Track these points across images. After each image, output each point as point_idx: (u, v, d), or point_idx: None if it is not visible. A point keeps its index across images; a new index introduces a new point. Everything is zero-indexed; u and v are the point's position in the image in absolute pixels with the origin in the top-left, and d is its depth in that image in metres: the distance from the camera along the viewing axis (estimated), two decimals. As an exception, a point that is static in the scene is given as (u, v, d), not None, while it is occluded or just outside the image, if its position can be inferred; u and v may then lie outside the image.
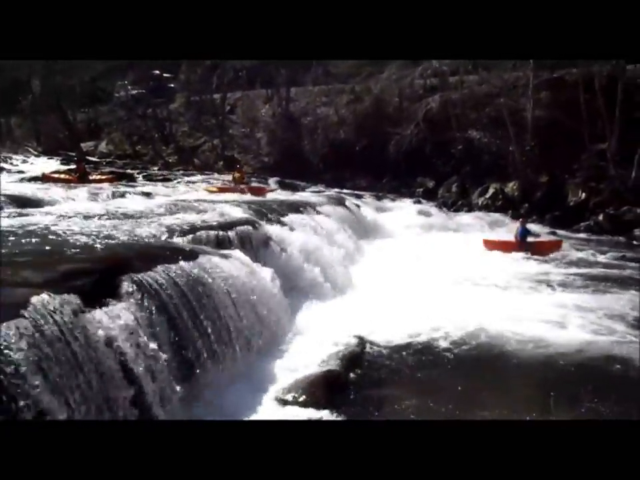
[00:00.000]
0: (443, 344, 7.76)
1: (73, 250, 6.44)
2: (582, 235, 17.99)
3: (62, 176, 21.05)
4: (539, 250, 14.20)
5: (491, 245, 14.83)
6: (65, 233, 7.62)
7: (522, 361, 7.25)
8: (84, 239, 7.11)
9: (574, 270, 12.72)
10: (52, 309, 4.38)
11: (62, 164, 28.98)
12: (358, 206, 17.48)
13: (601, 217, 18.54)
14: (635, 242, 16.92)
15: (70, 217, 9.32)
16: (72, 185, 17.70)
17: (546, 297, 10.21)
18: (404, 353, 7.45)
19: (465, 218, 20.08)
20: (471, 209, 21.92)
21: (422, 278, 11.23)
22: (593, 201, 19.39)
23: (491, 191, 22.01)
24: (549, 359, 7.27)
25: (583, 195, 19.73)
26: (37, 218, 9.18)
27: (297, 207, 13.02)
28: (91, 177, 20.56)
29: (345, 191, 23.90)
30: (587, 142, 20.37)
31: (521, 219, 15.62)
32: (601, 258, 14.25)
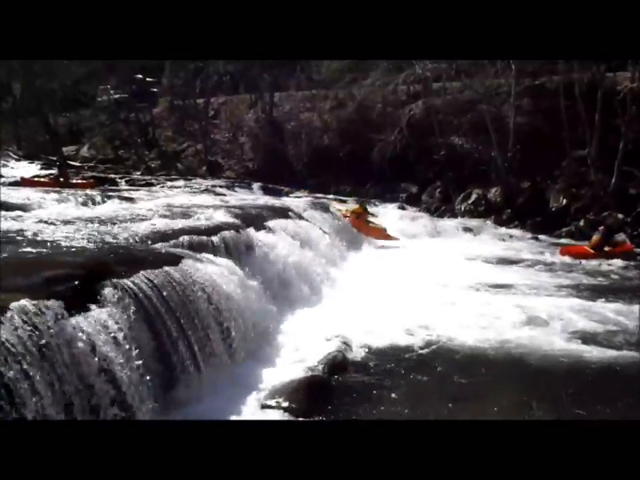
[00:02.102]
0: (427, 348, 7.77)
1: (53, 255, 6.37)
2: (563, 240, 18.16)
3: (42, 180, 20.82)
4: (612, 255, 14.60)
5: (567, 251, 15.37)
6: (45, 238, 7.53)
7: (505, 365, 7.29)
8: (64, 244, 7.02)
9: (564, 275, 12.87)
10: (32, 314, 4.31)
11: (42, 168, 28.62)
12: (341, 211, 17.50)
13: (581, 222, 18.75)
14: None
15: (50, 222, 9.21)
16: (52, 189, 17.51)
17: (529, 301, 10.26)
18: (388, 358, 7.45)
19: (448, 223, 20.23)
20: (454, 215, 22.10)
21: (405, 283, 11.27)
22: (574, 207, 19.61)
23: (473, 196, 22.20)
24: (533, 363, 7.32)
25: (564, 200, 19.96)
26: (16, 223, 9.05)
27: (280, 212, 12.99)
28: (71, 182, 20.36)
29: (329, 196, 23.94)
30: (567, 148, 20.62)
31: (601, 227, 15.81)
32: (584, 262, 14.42)
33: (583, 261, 14.32)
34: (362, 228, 16.34)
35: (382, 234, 16.49)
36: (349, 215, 16.85)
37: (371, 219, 17.18)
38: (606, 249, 14.78)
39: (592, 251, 14.85)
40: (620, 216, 18.17)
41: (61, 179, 20.00)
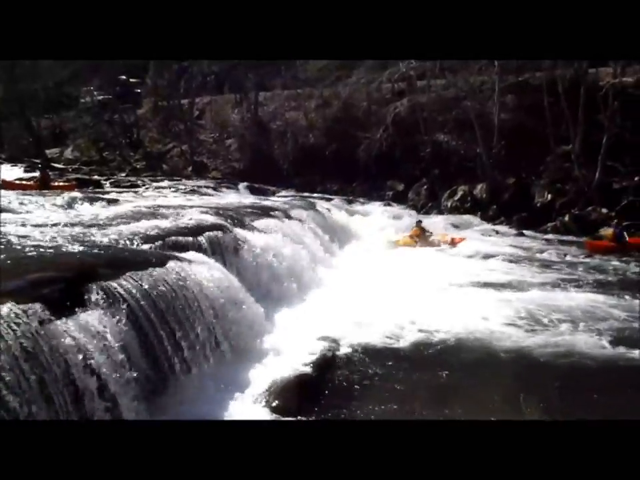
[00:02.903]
0: (415, 347, 7.80)
1: (38, 258, 6.29)
2: (549, 236, 18.27)
3: (23, 183, 20.62)
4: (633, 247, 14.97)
5: (592, 246, 15.59)
6: (29, 241, 7.44)
7: (494, 361, 7.33)
8: (49, 247, 6.95)
9: (547, 268, 12.96)
10: (17, 318, 4.27)
11: (26, 171, 28.34)
12: (329, 210, 17.51)
13: (566, 218, 18.88)
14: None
15: (34, 225, 9.12)
16: (34, 192, 17.35)
17: (516, 297, 10.32)
18: (376, 356, 7.47)
19: (434, 220, 20.29)
20: (440, 211, 22.17)
21: (393, 281, 11.29)
22: (558, 202, 19.75)
23: (459, 193, 22.28)
24: (520, 360, 7.37)
25: (549, 196, 20.10)
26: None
27: (267, 212, 12.97)
28: (53, 184, 20.18)
29: (315, 195, 23.93)
30: (551, 144, 20.77)
31: (615, 221, 16.19)
32: (568, 258, 14.54)
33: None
34: (426, 244, 15.91)
35: (449, 241, 16.09)
36: (410, 241, 16.14)
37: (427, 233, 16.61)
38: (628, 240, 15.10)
39: (615, 245, 15.15)
40: (604, 210, 18.33)
41: (43, 182, 19.80)
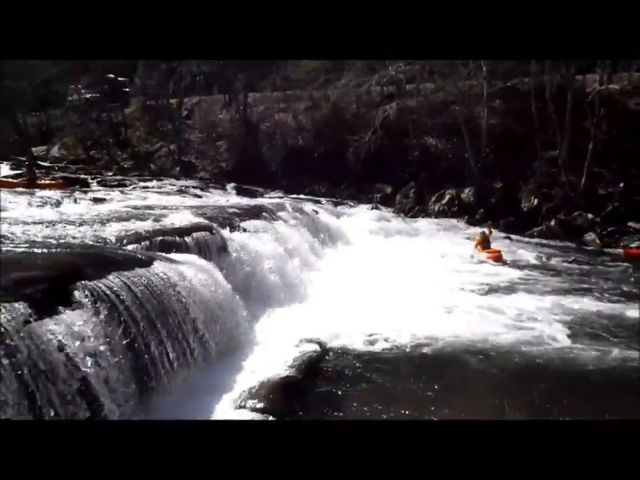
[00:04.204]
0: (402, 348, 7.82)
1: (22, 257, 6.23)
2: (535, 240, 18.41)
3: (8, 180, 20.40)
4: None
5: (629, 254, 15.52)
6: (13, 240, 7.37)
7: (481, 364, 7.36)
8: (34, 246, 6.88)
9: (530, 272, 13.05)
10: (0, 318, 4.22)
11: (12, 169, 28.06)
12: (316, 212, 17.50)
13: (552, 222, 19.03)
14: (584, 246, 17.42)
15: (18, 224, 9.03)
16: (19, 190, 17.19)
17: (502, 300, 10.39)
18: (362, 358, 7.48)
19: (421, 224, 20.38)
20: (427, 215, 22.29)
21: (379, 283, 11.30)
22: (545, 207, 19.91)
23: (447, 196, 22.40)
24: (505, 362, 7.41)
25: (536, 200, 20.25)
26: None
27: (255, 213, 12.93)
28: (39, 182, 20.00)
29: (303, 197, 23.92)
30: (538, 149, 20.94)
31: None
32: (553, 261, 14.66)
33: None
34: (482, 250, 14.73)
35: (499, 257, 14.50)
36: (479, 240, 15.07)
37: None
38: None
39: None
40: (590, 216, 18.50)
41: (30, 180, 19.62)
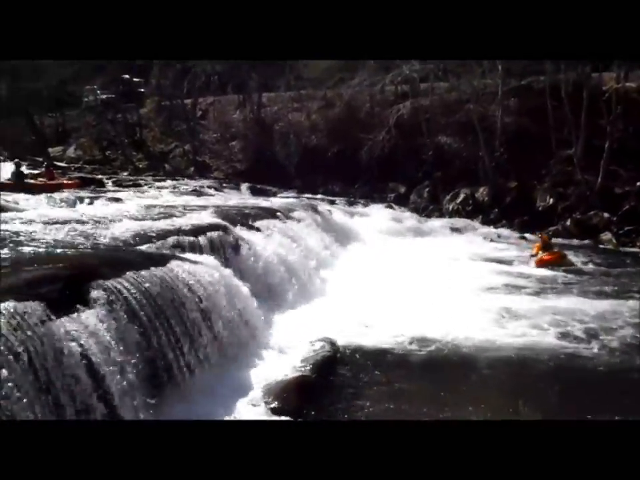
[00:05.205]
0: (416, 348, 7.80)
1: (39, 256, 6.31)
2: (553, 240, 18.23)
3: (31, 182, 20.59)
4: None
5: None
6: (30, 239, 7.46)
7: (494, 366, 7.33)
8: (50, 245, 6.97)
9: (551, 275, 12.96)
10: (18, 317, 4.27)
11: (29, 169, 28.35)
12: (330, 211, 17.49)
13: (568, 222, 18.85)
14: (601, 245, 17.26)
15: (36, 223, 9.13)
16: (38, 189, 17.34)
17: (513, 302, 10.31)
18: (376, 358, 7.47)
19: (436, 223, 20.29)
20: (442, 214, 22.14)
21: (393, 283, 11.27)
22: (560, 206, 19.71)
23: (461, 196, 22.26)
24: (520, 364, 7.38)
25: (551, 200, 20.06)
26: (2, 224, 8.96)
27: (269, 213, 12.97)
28: (57, 182, 20.19)
29: (317, 196, 23.91)
30: (554, 148, 20.76)
31: None
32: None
33: None
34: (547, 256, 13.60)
35: (565, 261, 13.60)
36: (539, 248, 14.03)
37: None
38: None
39: None
40: (606, 215, 18.31)
41: (47, 179, 19.84)
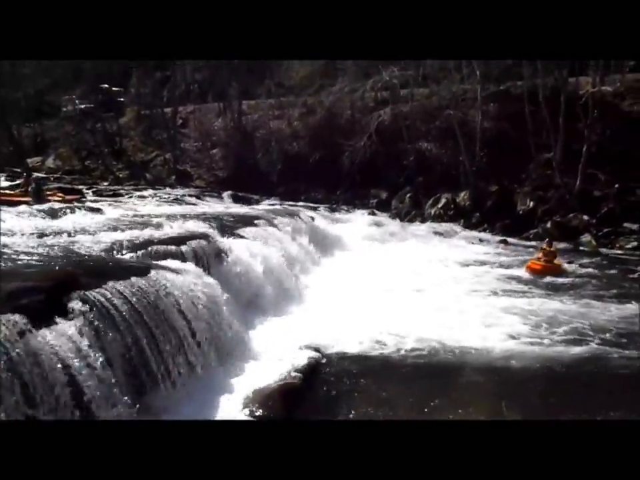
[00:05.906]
0: (399, 353, 7.80)
1: (18, 268, 6.21)
2: (532, 242, 18.42)
3: (6, 192, 20.29)
4: None
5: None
6: (9, 250, 7.34)
7: (476, 368, 7.36)
8: (29, 256, 6.86)
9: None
10: (-4, 329, 4.20)
11: (7, 180, 28.01)
12: (312, 218, 17.48)
13: (548, 224, 19.07)
14: (580, 247, 17.45)
15: (14, 234, 8.99)
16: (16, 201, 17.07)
17: (498, 303, 10.39)
18: (360, 364, 7.45)
19: (418, 228, 20.39)
20: (424, 219, 22.29)
21: (376, 288, 11.30)
22: (541, 209, 19.96)
23: (442, 200, 22.43)
24: (503, 366, 7.42)
25: (531, 203, 20.30)
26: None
27: (251, 220, 12.92)
28: (71, 197, 19.90)
29: (299, 203, 23.94)
30: (533, 152, 21.02)
31: None
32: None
33: None
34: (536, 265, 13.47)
35: (562, 270, 13.56)
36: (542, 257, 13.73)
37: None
38: None
39: None
40: (585, 217, 18.55)
41: (27, 189, 19.55)
